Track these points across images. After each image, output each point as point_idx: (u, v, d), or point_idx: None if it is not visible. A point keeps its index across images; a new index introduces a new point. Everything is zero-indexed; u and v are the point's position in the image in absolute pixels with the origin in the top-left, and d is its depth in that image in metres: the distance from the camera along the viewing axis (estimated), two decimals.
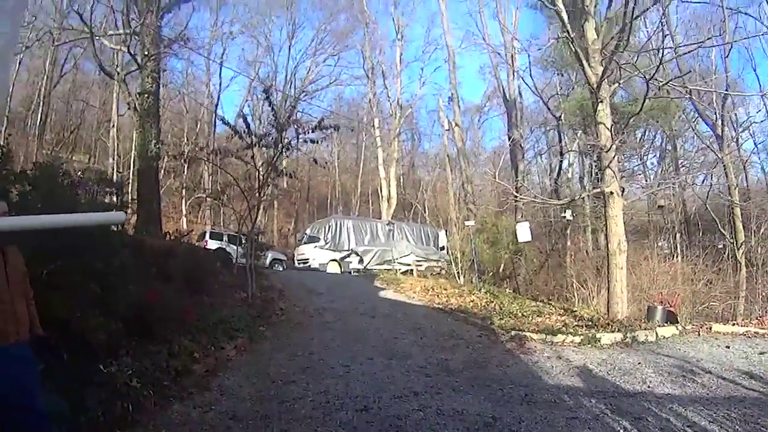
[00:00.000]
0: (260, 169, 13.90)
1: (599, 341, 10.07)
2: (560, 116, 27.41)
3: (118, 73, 22.23)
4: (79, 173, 11.58)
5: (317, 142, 14.62)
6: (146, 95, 18.74)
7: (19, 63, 28.25)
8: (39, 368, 4.36)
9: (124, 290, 7.34)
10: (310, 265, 26.38)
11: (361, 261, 26.41)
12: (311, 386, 6.97)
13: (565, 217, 22.18)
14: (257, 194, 13.79)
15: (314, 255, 26.68)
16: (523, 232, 11.81)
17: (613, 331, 10.60)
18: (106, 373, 5.69)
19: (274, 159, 13.80)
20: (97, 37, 20.90)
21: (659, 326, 11.24)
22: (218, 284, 13.41)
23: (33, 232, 4.66)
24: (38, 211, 6.13)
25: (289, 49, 41.36)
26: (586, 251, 25.33)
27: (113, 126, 32.57)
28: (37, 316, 4.31)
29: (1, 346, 3.77)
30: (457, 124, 34.86)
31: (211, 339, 8.40)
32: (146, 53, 18.98)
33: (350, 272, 25.32)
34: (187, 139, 35.77)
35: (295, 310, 12.53)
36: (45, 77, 33.88)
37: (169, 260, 11.41)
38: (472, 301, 14.82)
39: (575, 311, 13.90)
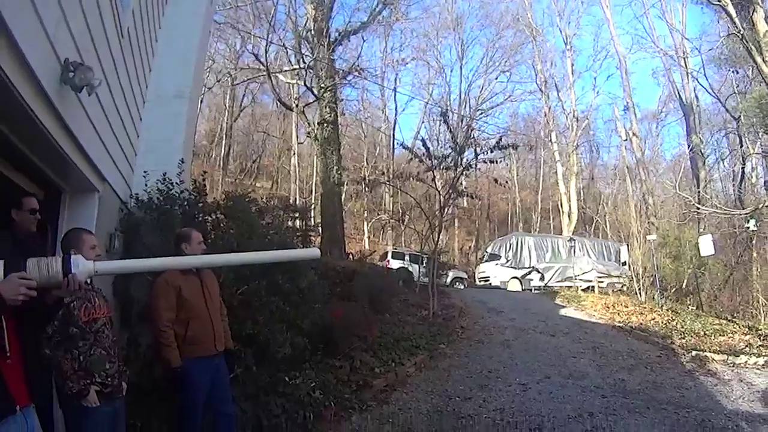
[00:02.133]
0: (440, 190, 13.96)
1: None
2: (739, 116, 24.93)
3: (297, 105, 23.73)
4: (264, 200, 12.46)
5: (497, 162, 14.49)
6: (326, 124, 19.82)
7: (202, 101, 31.22)
8: (230, 377, 4.76)
9: (310, 309, 7.65)
10: (491, 283, 26.01)
11: (542, 278, 25.62)
12: (487, 403, 6.89)
13: (749, 227, 19.90)
14: (438, 214, 13.90)
15: (495, 273, 26.29)
16: (706, 246, 10.61)
17: None
18: (290, 384, 5.99)
19: (455, 180, 13.78)
20: (273, 74, 22.52)
21: None
22: (400, 303, 13.67)
23: None
24: (230, 236, 6.59)
25: (461, 68, 41.33)
26: None
27: (294, 154, 34.72)
28: (230, 331, 4.76)
29: (203, 357, 4.26)
30: (634, 134, 33.28)
31: (391, 355, 8.59)
32: (322, 85, 20.13)
33: (531, 290, 24.63)
34: (367, 163, 37.10)
35: (475, 327, 12.36)
36: (226, 112, 37.37)
37: (353, 280, 11.80)
38: (653, 319, 13.87)
39: (760, 330, 12.42)
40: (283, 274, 6.96)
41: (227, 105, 37.90)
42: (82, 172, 4.13)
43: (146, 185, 6.01)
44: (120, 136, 5.19)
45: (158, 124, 6.35)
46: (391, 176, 16.25)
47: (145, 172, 6.00)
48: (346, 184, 22.93)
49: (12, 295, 2.07)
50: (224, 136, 38.36)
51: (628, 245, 26.52)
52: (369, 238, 37.52)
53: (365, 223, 37.91)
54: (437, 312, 12.90)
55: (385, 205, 38.21)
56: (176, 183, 6.16)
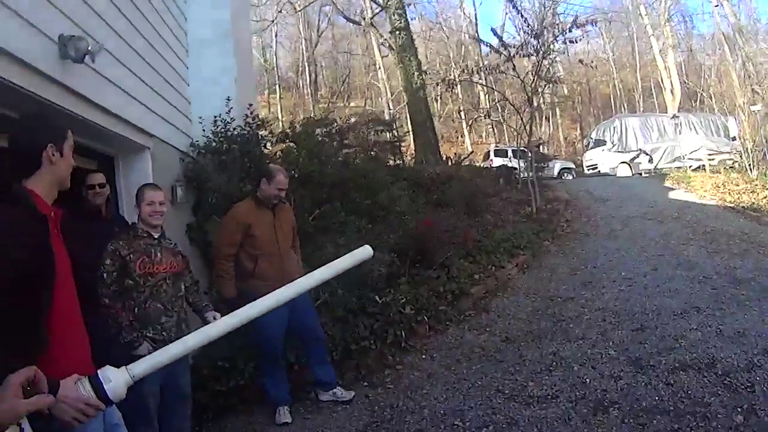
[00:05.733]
0: (524, 79, 13.20)
1: None
2: None
3: (364, 19, 23.12)
4: (352, 118, 12.39)
5: (576, 41, 13.62)
6: (398, 32, 19.06)
7: (276, 35, 31.36)
8: (316, 303, 4.95)
9: (399, 222, 7.58)
10: (599, 171, 24.84)
11: (650, 160, 23.93)
12: (589, 303, 6.59)
13: None
14: (527, 105, 13.30)
15: (602, 159, 25.02)
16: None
17: None
18: (380, 303, 5.96)
19: (537, 67, 12.94)
20: None
21: None
22: (501, 202, 13.24)
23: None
24: (300, 163, 6.57)
25: None
26: None
27: (379, 68, 34.20)
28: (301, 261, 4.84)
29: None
30: None
31: (491, 259, 8.30)
32: None
33: (641, 174, 23.15)
34: (455, 64, 35.89)
35: (581, 220, 11.85)
36: (303, 41, 37.39)
37: (448, 185, 11.49)
38: (765, 197, 12.64)
39: None
40: (359, 191, 6.92)
41: (302, 33, 38.00)
42: (121, 134, 4.23)
43: (203, 130, 6.11)
44: (162, 90, 5.24)
45: (205, 68, 6.35)
46: (472, 72, 15.37)
47: (200, 117, 6.11)
48: (439, 88, 22.23)
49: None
50: (307, 64, 38.57)
51: (735, 118, 24.38)
52: (470, 138, 36.85)
53: (463, 123, 37.17)
54: (540, 207, 12.35)
55: (480, 102, 37.09)
56: (227, 122, 6.22)
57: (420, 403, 4.49)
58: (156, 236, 3.49)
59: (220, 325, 1.86)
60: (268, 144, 7.46)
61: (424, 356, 5.58)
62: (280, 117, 32.90)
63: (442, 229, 7.94)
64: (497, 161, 22.32)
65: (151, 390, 3.33)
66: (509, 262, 8.45)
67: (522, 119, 13.72)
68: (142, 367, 1.67)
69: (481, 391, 4.57)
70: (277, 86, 37.44)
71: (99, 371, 1.65)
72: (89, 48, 3.22)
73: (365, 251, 2.06)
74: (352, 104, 36.86)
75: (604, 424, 3.73)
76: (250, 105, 6.44)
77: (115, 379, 1.64)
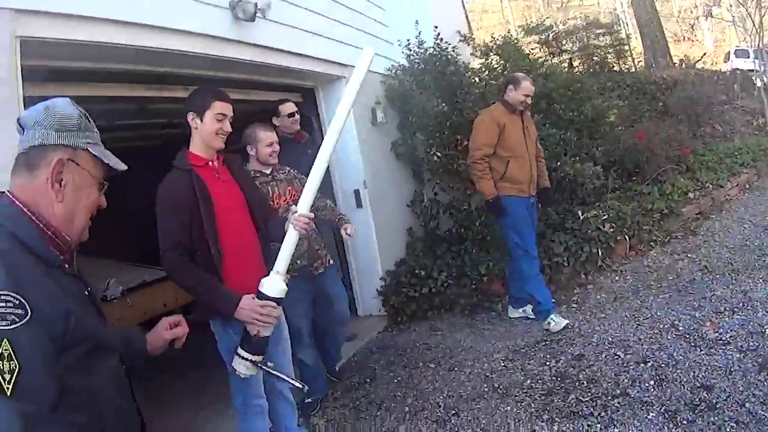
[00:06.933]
0: None
1: None
2: None
3: None
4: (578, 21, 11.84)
5: None
6: None
7: None
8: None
9: (611, 133, 7.35)
10: None
11: None
12: None
13: None
14: (757, 2, 11.68)
15: None
16: None
17: None
18: (579, 220, 5.89)
19: None
20: None
21: None
22: (733, 111, 11.93)
23: None
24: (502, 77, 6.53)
25: None
26: None
27: None
28: (545, 170, 4.99)
29: (523, 197, 4.58)
30: None
31: (710, 176, 7.72)
32: None
33: None
34: None
35: None
36: None
37: (673, 92, 10.54)
38: None
39: None
40: (562, 103, 6.76)
41: None
42: (310, 70, 4.70)
43: (402, 52, 6.33)
44: (350, 20, 5.49)
45: None
46: None
47: (398, 40, 6.29)
48: None
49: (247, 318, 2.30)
50: None
51: None
52: (714, 38, 32.80)
53: (702, 21, 33.05)
54: None
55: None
56: (421, 42, 6.35)
57: (594, 327, 4.45)
58: (268, 172, 3.58)
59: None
60: (473, 59, 7.54)
61: (617, 278, 5.49)
62: (512, 21, 31.89)
63: (657, 142, 7.45)
64: (738, 62, 19.67)
65: (300, 311, 3.61)
66: (729, 180, 7.82)
67: (751, 18, 11.97)
68: (280, 263, 2.21)
69: (656, 323, 4.31)
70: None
71: (261, 288, 2.24)
72: (258, 6, 3.73)
73: (367, 51, 2.24)
74: (587, 2, 34.27)
75: (761, 387, 3.18)
76: (436, 27, 6.40)
77: (268, 282, 2.21)
